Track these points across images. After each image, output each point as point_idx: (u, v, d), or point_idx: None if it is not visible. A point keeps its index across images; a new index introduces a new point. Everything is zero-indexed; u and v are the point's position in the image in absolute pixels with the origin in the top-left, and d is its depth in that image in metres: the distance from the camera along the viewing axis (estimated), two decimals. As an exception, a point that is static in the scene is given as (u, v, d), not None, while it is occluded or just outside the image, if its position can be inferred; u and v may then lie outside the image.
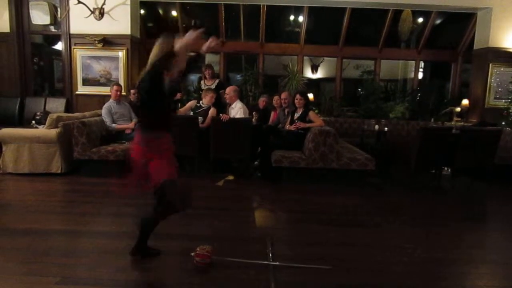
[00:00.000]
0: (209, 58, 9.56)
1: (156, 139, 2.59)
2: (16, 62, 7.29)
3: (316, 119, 5.45)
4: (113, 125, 5.66)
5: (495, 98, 7.32)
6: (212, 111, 5.68)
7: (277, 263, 2.77)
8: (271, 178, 5.39)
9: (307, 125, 5.35)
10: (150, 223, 2.73)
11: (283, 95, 6.03)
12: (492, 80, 7.28)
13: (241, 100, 6.16)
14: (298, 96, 5.56)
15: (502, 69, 7.23)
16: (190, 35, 2.53)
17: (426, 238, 3.51)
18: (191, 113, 5.81)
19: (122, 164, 4.64)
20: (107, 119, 5.65)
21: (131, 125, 5.72)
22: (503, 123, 6.59)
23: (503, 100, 7.09)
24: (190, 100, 6.67)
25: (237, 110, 5.70)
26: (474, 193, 5.34)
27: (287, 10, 8.72)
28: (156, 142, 2.58)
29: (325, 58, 10.40)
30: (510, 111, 6.63)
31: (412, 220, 4.07)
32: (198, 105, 5.87)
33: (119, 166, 2.86)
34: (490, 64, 7.23)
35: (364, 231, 3.61)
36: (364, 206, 4.45)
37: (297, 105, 5.55)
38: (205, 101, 5.80)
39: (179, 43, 2.54)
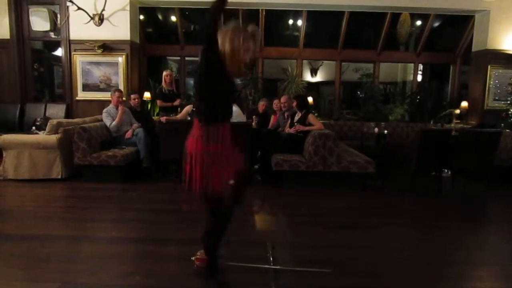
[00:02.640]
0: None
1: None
2: (16, 68, 7.32)
3: (316, 122, 5.47)
4: (114, 122, 5.66)
5: (494, 99, 7.34)
6: None
7: (278, 266, 2.77)
8: (271, 182, 5.40)
9: (307, 128, 5.37)
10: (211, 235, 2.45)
11: (283, 99, 6.06)
12: (491, 82, 7.30)
13: (241, 105, 6.18)
14: (295, 100, 5.67)
15: (500, 71, 7.26)
16: None
17: (426, 240, 3.51)
18: (189, 118, 5.83)
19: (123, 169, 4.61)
20: (107, 121, 5.66)
21: (134, 126, 5.76)
22: (502, 124, 6.59)
23: (502, 102, 7.11)
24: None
25: (234, 115, 5.71)
26: (474, 195, 5.33)
27: (285, 14, 8.77)
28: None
29: (324, 61, 10.45)
30: (509, 112, 6.64)
31: (412, 222, 4.06)
32: (194, 109, 5.91)
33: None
34: (489, 66, 7.26)
35: (365, 234, 3.61)
36: (364, 209, 4.44)
37: (295, 109, 5.62)
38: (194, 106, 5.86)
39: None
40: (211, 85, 2.19)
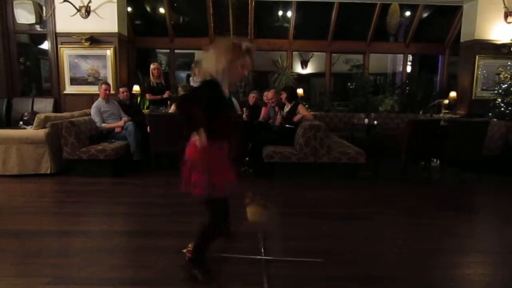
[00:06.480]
0: (198, 55, 9.49)
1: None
2: (1, 62, 7.18)
3: (305, 112, 5.52)
4: (103, 124, 5.62)
5: (482, 89, 7.43)
6: None
7: (270, 257, 2.79)
8: (262, 174, 5.41)
9: (295, 117, 5.39)
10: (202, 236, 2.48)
11: (270, 95, 5.94)
12: (479, 72, 7.38)
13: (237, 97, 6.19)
14: (284, 92, 5.70)
15: (488, 61, 7.33)
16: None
17: (416, 229, 3.55)
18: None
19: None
20: (96, 119, 5.60)
21: (121, 123, 5.68)
22: (490, 114, 6.67)
23: (490, 92, 7.18)
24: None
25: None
26: (463, 184, 5.41)
27: (275, 5, 8.72)
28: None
29: (315, 53, 10.44)
30: (497, 102, 6.71)
31: (403, 211, 4.11)
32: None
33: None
34: (477, 56, 7.33)
35: (356, 224, 3.64)
36: (355, 199, 4.48)
37: (284, 102, 5.64)
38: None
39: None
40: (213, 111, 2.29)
